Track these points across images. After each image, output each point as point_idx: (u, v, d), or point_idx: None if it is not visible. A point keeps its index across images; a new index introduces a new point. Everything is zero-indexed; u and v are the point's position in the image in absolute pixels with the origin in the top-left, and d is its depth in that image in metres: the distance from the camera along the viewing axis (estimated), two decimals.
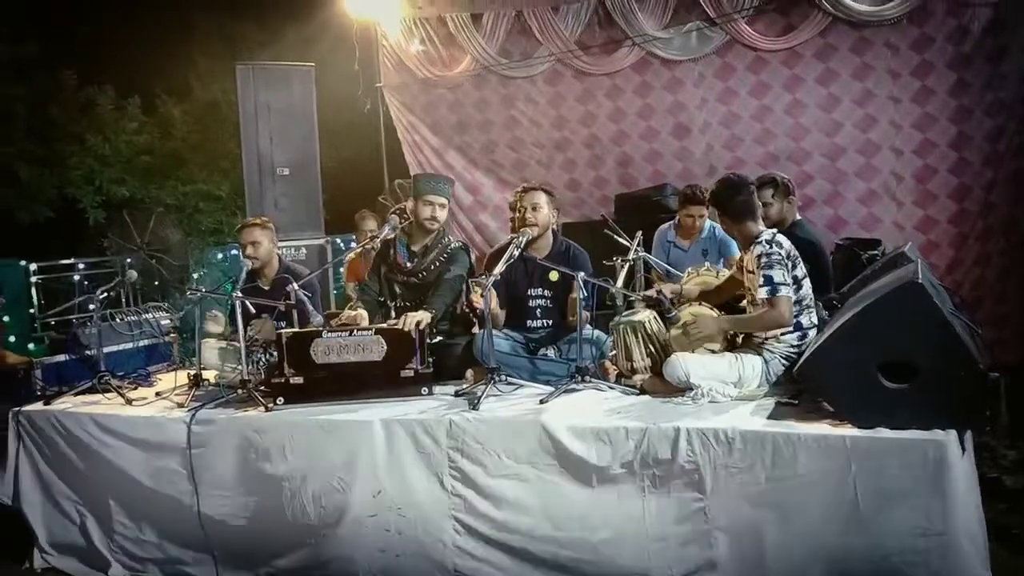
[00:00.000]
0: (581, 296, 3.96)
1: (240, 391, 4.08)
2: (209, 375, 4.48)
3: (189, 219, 13.44)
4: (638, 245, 4.81)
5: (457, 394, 3.98)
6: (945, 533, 2.92)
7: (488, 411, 3.68)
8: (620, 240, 5.04)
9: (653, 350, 4.00)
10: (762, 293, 3.67)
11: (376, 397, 3.95)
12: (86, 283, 9.57)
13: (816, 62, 7.10)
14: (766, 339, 3.74)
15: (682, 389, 3.68)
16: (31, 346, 7.96)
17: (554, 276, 4.51)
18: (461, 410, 3.70)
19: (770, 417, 3.37)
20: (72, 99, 13.68)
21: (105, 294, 4.75)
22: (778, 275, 3.65)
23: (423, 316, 4.14)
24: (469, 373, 4.27)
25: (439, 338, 4.48)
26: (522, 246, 4.33)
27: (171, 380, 4.58)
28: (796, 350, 3.69)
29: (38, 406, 4.38)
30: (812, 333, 3.73)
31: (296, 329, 4.28)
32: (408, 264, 4.67)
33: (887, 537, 3.00)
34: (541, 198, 4.52)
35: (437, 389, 4.05)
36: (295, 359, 3.98)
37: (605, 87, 7.81)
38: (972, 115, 6.67)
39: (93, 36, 13.49)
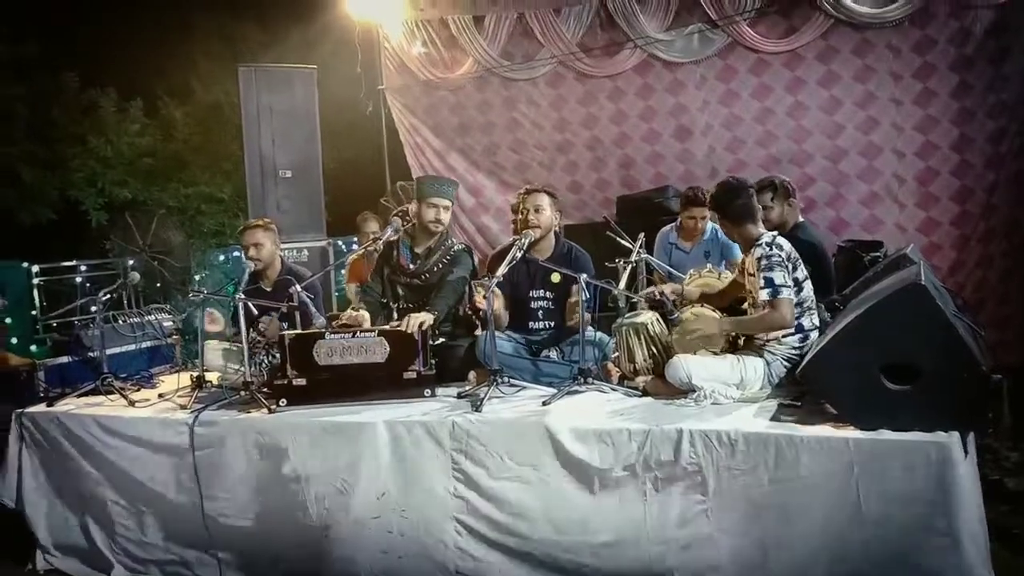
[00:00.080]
0: (584, 298, 3.96)
1: (243, 393, 4.08)
2: (212, 377, 4.49)
3: (191, 221, 13.44)
4: (640, 247, 4.81)
5: (460, 396, 3.99)
6: (948, 535, 2.92)
7: (491, 413, 3.68)
8: (622, 242, 5.04)
9: (655, 352, 4.00)
10: (763, 295, 3.67)
11: (379, 399, 3.95)
12: (88, 285, 9.58)
13: (818, 64, 7.11)
14: (768, 341, 3.74)
15: (684, 391, 3.68)
16: (33, 348, 7.96)
17: (556, 278, 4.51)
18: (464, 412, 3.70)
19: (772, 419, 3.37)
20: (74, 101, 13.69)
21: (108, 296, 4.75)
22: (779, 277, 3.66)
23: (425, 318, 4.14)
24: (472, 375, 4.28)
25: (441, 340, 4.49)
26: (524, 248, 4.34)
27: (173, 382, 4.57)
28: (798, 352, 3.69)
29: (41, 408, 4.38)
30: (814, 335, 3.73)
31: (299, 331, 4.28)
32: (411, 266, 4.67)
33: (890, 539, 3.00)
34: (544, 200, 4.52)
35: (440, 391, 4.05)
36: (298, 361, 3.99)
37: (607, 89, 7.81)
38: (974, 117, 6.67)
39: (95, 37, 13.50)
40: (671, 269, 5.27)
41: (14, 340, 7.71)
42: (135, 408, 4.26)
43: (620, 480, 3.38)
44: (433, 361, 4.09)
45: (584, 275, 4.01)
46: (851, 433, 3.12)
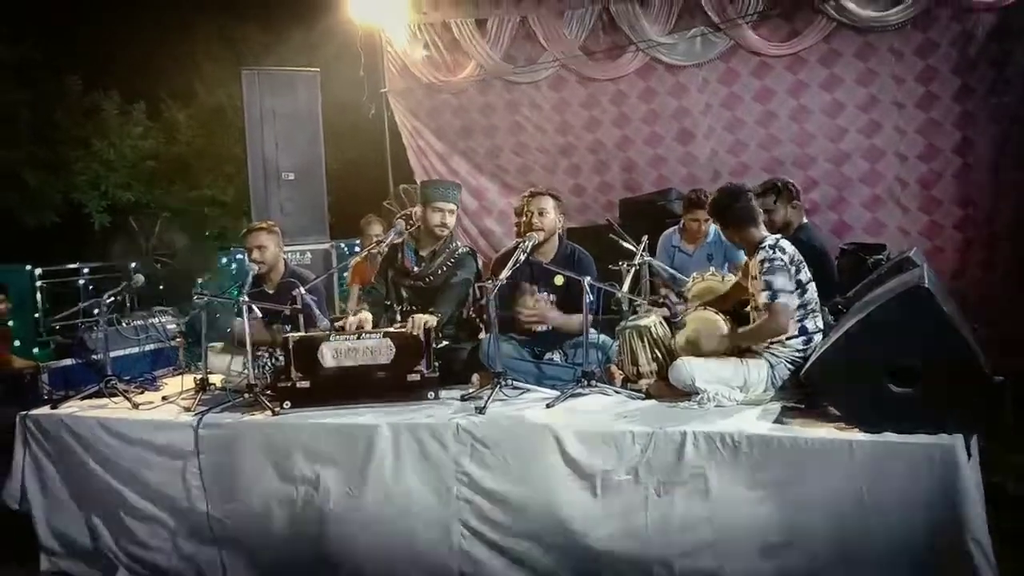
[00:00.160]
0: (587, 300, 3.96)
1: (247, 395, 4.09)
2: (215, 379, 4.49)
3: (194, 224, 13.47)
4: (644, 249, 4.81)
5: (463, 398, 3.99)
6: (952, 537, 2.92)
7: (494, 415, 3.69)
8: (625, 245, 5.04)
9: (659, 354, 4.00)
10: (762, 298, 3.68)
11: (382, 401, 3.95)
12: (91, 288, 9.60)
13: (820, 67, 7.12)
14: (772, 343, 3.74)
15: (688, 393, 3.68)
16: (36, 350, 7.98)
17: (559, 280, 4.51)
18: (468, 414, 3.71)
19: (776, 421, 3.37)
20: (77, 104, 13.75)
21: (112, 298, 4.76)
22: (779, 281, 3.66)
23: (429, 320, 4.15)
24: (475, 377, 4.27)
25: (445, 342, 4.49)
26: (528, 250, 4.34)
27: (177, 384, 4.58)
28: (802, 354, 3.68)
29: (45, 410, 4.39)
30: (818, 337, 3.73)
31: (302, 333, 4.29)
32: (415, 268, 4.68)
33: (894, 541, 3.00)
34: (548, 203, 4.52)
35: (443, 393, 4.05)
36: (302, 363, 3.99)
37: (609, 92, 7.83)
38: (977, 120, 6.69)
39: (98, 41, 13.54)
40: (674, 272, 5.27)
41: (17, 343, 7.73)
42: (139, 411, 4.26)
43: (623, 482, 3.38)
44: (437, 363, 4.10)
45: (588, 277, 4.01)
46: (855, 435, 3.12)
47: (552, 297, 4.54)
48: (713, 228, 5.67)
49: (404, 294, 4.69)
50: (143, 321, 5.39)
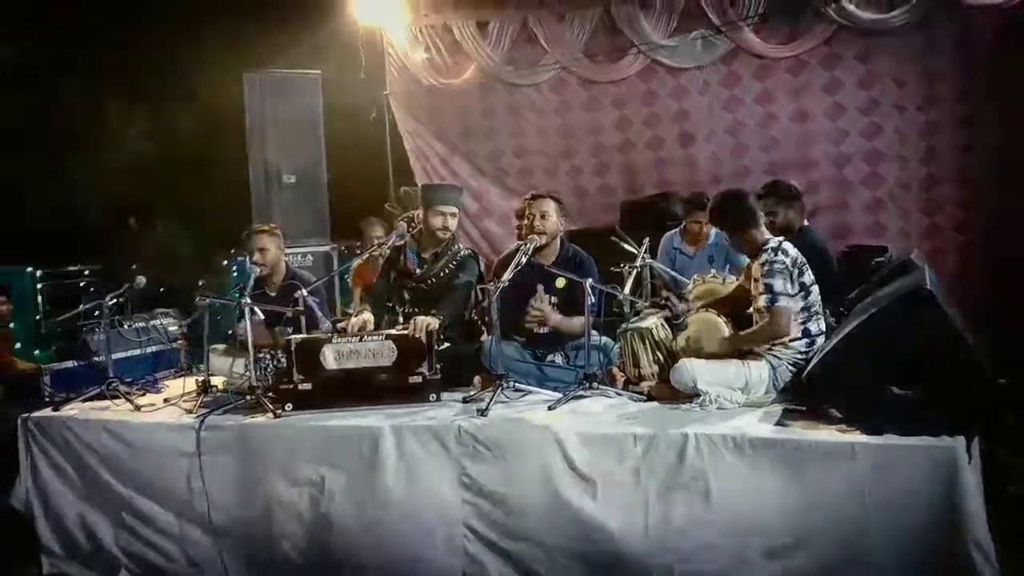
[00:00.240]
0: (589, 302, 3.97)
1: (249, 397, 4.09)
2: (217, 381, 4.49)
3: (195, 226, 13.46)
4: (645, 252, 4.82)
5: (465, 400, 4.00)
6: (953, 538, 2.93)
7: (496, 417, 3.69)
8: (626, 247, 5.05)
9: (660, 357, 4.01)
10: (761, 301, 3.69)
11: (384, 403, 3.95)
12: (91, 289, 9.59)
13: (821, 70, 7.12)
14: (774, 345, 3.75)
15: (689, 395, 3.69)
16: (36, 352, 7.97)
17: (561, 283, 4.51)
18: (470, 416, 3.72)
19: (778, 423, 3.38)
20: (78, 106, 13.73)
21: (114, 300, 4.76)
22: (779, 284, 3.66)
23: (432, 322, 4.15)
24: (477, 380, 4.28)
25: (447, 344, 4.49)
26: (530, 253, 4.35)
27: (179, 386, 4.58)
28: (804, 356, 3.69)
29: (47, 412, 4.39)
30: (820, 340, 3.74)
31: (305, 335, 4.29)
32: (418, 270, 4.68)
33: (896, 543, 3.01)
34: (550, 206, 4.53)
35: (445, 395, 4.06)
36: (304, 365, 4.00)
37: (611, 95, 7.83)
38: (977, 123, 6.68)
39: (100, 44, 13.53)
40: (675, 274, 5.27)
41: (18, 344, 7.73)
42: (141, 413, 4.26)
43: (624, 485, 3.39)
44: (439, 365, 4.10)
45: (589, 280, 4.02)
46: (857, 437, 3.13)
47: (554, 299, 4.55)
48: (714, 230, 5.68)
49: (406, 296, 4.69)
50: (145, 323, 5.39)
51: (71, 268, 9.85)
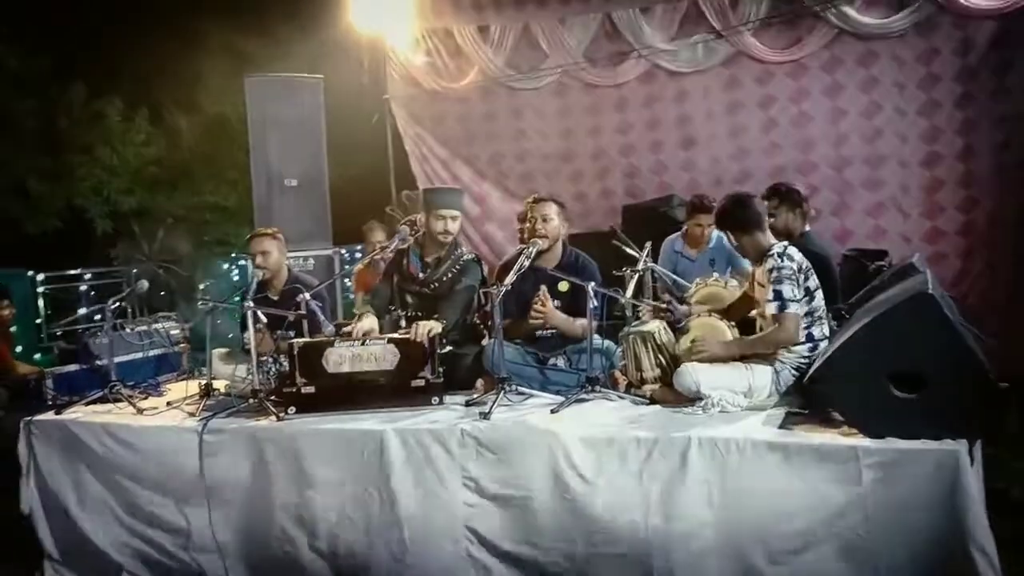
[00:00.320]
0: (592, 306, 3.97)
1: (251, 400, 4.09)
2: (220, 384, 4.50)
3: (197, 230, 13.48)
4: (647, 255, 4.82)
5: (468, 404, 3.99)
6: (956, 543, 2.92)
7: (499, 420, 3.69)
8: (628, 251, 5.05)
9: (663, 360, 4.01)
10: (771, 308, 3.68)
11: (387, 407, 3.96)
12: (93, 293, 9.62)
13: (822, 74, 7.14)
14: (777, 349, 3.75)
15: (692, 399, 3.69)
16: (37, 356, 7.98)
17: (564, 286, 4.51)
18: (472, 419, 3.71)
19: (780, 427, 3.38)
20: (81, 111, 13.76)
21: (116, 304, 4.77)
22: (787, 290, 3.66)
23: (434, 325, 4.15)
24: (479, 383, 4.28)
25: (449, 348, 4.49)
26: (532, 256, 4.35)
27: (181, 390, 4.59)
28: (807, 360, 3.69)
29: (49, 416, 4.39)
30: (823, 344, 3.73)
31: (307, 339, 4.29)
32: (420, 274, 4.68)
33: (898, 547, 3.01)
34: (552, 209, 4.53)
35: (448, 399, 4.05)
36: (307, 368, 4.00)
37: (612, 99, 7.85)
38: (978, 127, 6.71)
39: (102, 49, 13.57)
40: (676, 278, 5.27)
41: (19, 348, 7.74)
42: (143, 416, 4.26)
43: (627, 487, 3.39)
44: (441, 369, 4.11)
45: (592, 283, 4.02)
46: (859, 441, 3.13)
47: (556, 303, 4.55)
48: (716, 233, 5.67)
49: (409, 300, 4.69)
50: (147, 327, 5.39)
51: (72, 272, 9.88)
